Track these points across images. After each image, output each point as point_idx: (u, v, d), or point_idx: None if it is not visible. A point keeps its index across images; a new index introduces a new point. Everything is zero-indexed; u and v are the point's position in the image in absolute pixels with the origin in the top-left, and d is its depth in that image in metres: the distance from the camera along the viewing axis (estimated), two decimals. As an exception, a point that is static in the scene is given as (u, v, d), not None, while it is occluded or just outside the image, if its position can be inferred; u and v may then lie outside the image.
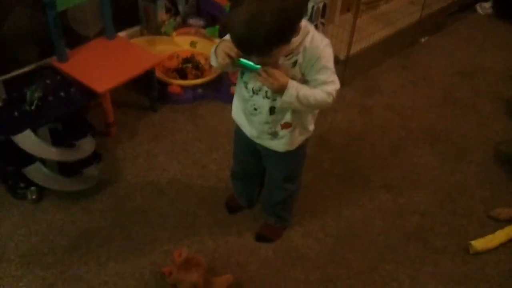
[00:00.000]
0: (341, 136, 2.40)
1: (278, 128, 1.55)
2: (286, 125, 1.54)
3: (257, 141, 1.63)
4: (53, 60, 2.23)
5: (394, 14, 2.94)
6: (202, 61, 2.57)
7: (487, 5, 3.37)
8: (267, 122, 1.54)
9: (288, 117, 1.53)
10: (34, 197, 1.96)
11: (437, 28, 3.13)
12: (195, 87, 2.47)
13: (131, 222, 1.95)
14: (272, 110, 1.50)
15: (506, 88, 2.77)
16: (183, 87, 2.45)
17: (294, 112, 1.51)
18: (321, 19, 2.49)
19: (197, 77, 2.50)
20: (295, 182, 1.80)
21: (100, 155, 2.11)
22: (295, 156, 1.68)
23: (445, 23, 3.18)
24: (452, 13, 3.24)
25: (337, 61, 2.74)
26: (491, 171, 2.30)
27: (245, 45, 1.29)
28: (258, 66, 1.35)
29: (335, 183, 2.19)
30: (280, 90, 1.39)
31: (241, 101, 1.57)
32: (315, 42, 1.39)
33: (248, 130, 1.62)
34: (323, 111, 2.49)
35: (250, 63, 1.35)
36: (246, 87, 1.50)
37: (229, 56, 1.37)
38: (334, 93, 1.45)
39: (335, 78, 1.45)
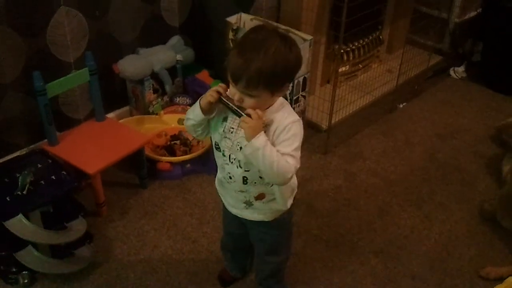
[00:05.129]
0: (328, 202, 2.45)
1: (252, 198, 1.59)
2: (260, 196, 1.58)
3: (233, 210, 1.67)
4: (44, 144, 2.30)
5: (372, 83, 3.07)
6: (190, 137, 2.65)
7: (461, 69, 3.52)
8: (241, 191, 1.58)
9: (262, 188, 1.57)
10: (26, 281, 1.95)
11: (414, 94, 3.26)
12: (183, 162, 2.53)
13: (123, 302, 1.95)
14: (244, 180, 1.55)
15: (486, 148, 2.86)
16: (172, 164, 2.52)
17: (268, 184, 1.55)
18: (302, 92, 2.60)
19: (185, 153, 2.57)
20: (279, 255, 1.82)
21: (91, 235, 2.13)
22: (277, 229, 1.71)
23: (421, 88, 3.31)
24: (428, 79, 3.38)
25: (319, 130, 2.86)
26: (477, 230, 2.34)
27: (238, 69, 1.36)
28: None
29: (325, 249, 2.21)
30: (253, 133, 1.41)
31: (219, 169, 1.62)
32: (286, 117, 1.47)
33: (225, 198, 1.68)
34: (310, 178, 2.56)
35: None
36: (224, 155, 1.55)
37: (217, 92, 1.43)
38: (293, 168, 1.45)
39: (297, 155, 1.46)
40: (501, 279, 2.06)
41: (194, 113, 1.50)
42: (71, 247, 2.02)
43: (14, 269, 1.95)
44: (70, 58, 2.44)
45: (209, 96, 1.44)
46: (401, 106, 3.16)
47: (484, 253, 2.23)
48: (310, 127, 2.84)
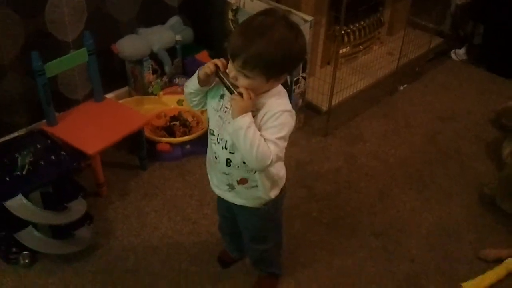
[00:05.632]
0: (328, 185, 2.45)
1: (235, 182, 1.58)
2: (242, 181, 1.57)
3: (217, 191, 1.67)
4: (43, 124, 2.28)
5: (373, 65, 3.05)
6: (190, 118, 2.63)
7: (462, 51, 3.50)
8: (224, 173, 1.58)
9: (244, 174, 1.55)
10: (26, 261, 1.96)
11: (415, 76, 3.24)
12: (183, 143, 2.52)
13: (123, 284, 1.95)
14: (228, 162, 1.54)
15: (486, 131, 2.85)
16: (171, 145, 2.50)
17: (251, 170, 1.53)
18: (302, 73, 2.58)
19: (185, 134, 2.56)
20: (265, 244, 1.80)
21: (91, 216, 2.12)
22: (259, 219, 1.70)
23: (422, 71, 3.29)
24: (428, 61, 3.36)
25: (319, 112, 2.84)
26: (477, 213, 2.35)
27: (238, 47, 1.36)
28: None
29: (325, 232, 2.21)
30: (240, 112, 1.40)
31: (208, 147, 1.61)
32: (278, 104, 1.45)
33: (211, 178, 1.67)
34: (310, 160, 2.55)
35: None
36: (213, 134, 1.55)
37: (215, 65, 1.43)
38: (274, 156, 1.42)
39: (281, 144, 1.44)
40: (500, 261, 2.08)
41: (192, 82, 1.51)
42: (71, 227, 2.01)
43: (14, 250, 1.95)
44: (68, 37, 2.41)
45: (207, 67, 1.44)
46: (401, 88, 3.15)
47: (484, 236, 2.24)
48: (310, 109, 2.83)
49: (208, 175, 1.69)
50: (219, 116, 1.51)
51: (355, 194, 2.41)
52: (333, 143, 2.70)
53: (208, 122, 1.57)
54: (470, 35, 3.57)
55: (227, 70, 1.44)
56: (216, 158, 1.56)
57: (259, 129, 1.42)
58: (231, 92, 1.42)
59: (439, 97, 3.11)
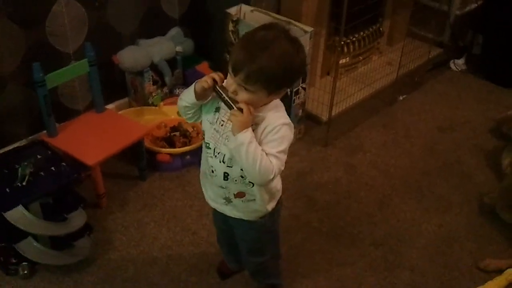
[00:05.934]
0: (328, 195, 2.45)
1: (232, 195, 1.57)
2: (239, 194, 1.57)
3: (213, 204, 1.66)
4: (43, 135, 2.29)
5: (372, 75, 3.06)
6: (190, 129, 2.64)
7: (461, 61, 3.51)
8: (221, 187, 1.57)
9: (242, 187, 1.55)
10: (25, 272, 1.96)
11: (414, 86, 3.25)
12: (183, 154, 2.53)
13: (123, 293, 1.95)
14: (225, 176, 1.53)
15: (486, 140, 2.85)
16: (171, 155, 2.51)
17: (249, 184, 1.53)
18: (302, 84, 2.59)
19: (185, 144, 2.57)
20: (262, 256, 1.80)
21: (91, 227, 2.12)
22: (256, 232, 1.69)
23: (422, 81, 3.30)
24: (428, 71, 3.37)
25: (319, 122, 2.85)
26: (477, 223, 2.35)
27: (241, 61, 1.35)
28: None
29: (324, 241, 2.21)
30: (241, 127, 1.39)
31: (203, 161, 1.60)
32: (277, 117, 1.45)
33: (207, 191, 1.66)
34: (310, 170, 2.56)
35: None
36: (209, 147, 1.54)
37: (213, 80, 1.42)
38: (276, 170, 1.43)
39: (282, 158, 1.45)
40: (499, 271, 2.07)
41: (188, 96, 1.49)
42: (71, 238, 2.01)
43: (14, 260, 1.96)
44: (69, 49, 2.43)
45: (204, 81, 1.43)
46: (401, 98, 3.16)
47: (483, 246, 2.23)
48: (310, 119, 2.83)
49: (203, 188, 1.68)
50: (215, 129, 1.51)
51: (355, 204, 2.41)
52: (333, 153, 2.71)
53: (204, 135, 1.55)
54: (469, 45, 3.58)
55: (225, 84, 1.43)
56: (212, 172, 1.55)
57: (260, 143, 1.42)
58: (231, 108, 1.41)
59: (438, 107, 3.12)
